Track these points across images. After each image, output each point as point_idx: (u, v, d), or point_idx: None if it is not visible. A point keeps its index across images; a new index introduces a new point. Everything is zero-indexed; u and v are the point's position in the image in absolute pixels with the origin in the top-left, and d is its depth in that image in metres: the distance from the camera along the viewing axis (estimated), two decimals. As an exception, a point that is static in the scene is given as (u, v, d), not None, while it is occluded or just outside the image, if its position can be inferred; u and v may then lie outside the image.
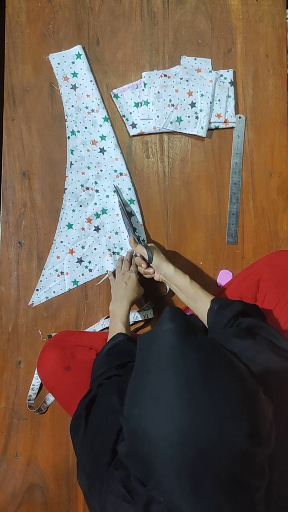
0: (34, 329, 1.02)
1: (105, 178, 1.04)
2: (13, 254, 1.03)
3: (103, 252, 1.04)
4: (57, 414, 1.01)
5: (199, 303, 0.87)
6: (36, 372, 0.99)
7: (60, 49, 1.04)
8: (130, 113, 1.04)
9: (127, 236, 1.03)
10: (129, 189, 1.04)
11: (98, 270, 1.04)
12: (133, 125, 1.04)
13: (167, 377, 0.44)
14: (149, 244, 0.93)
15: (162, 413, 0.43)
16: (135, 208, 1.04)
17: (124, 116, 1.04)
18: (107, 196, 1.04)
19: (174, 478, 0.42)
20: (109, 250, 1.04)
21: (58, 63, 1.03)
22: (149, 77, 1.03)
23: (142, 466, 0.46)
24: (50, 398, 1.01)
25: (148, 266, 0.93)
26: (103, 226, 1.05)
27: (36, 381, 1.00)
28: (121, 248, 1.04)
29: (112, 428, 0.61)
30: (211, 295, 0.87)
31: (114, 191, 1.03)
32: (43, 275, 1.02)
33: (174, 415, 0.42)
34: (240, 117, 1.06)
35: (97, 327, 1.02)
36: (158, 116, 1.02)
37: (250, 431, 0.42)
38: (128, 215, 0.99)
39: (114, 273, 1.02)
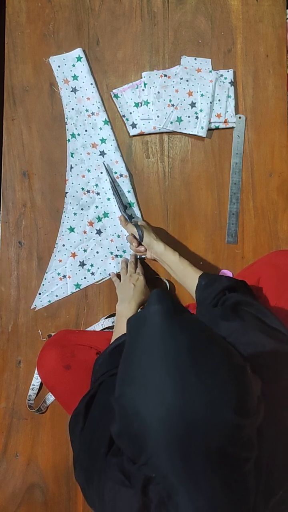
0: (34, 329, 1.02)
1: (106, 180, 1.04)
2: (13, 254, 1.03)
3: (105, 255, 1.04)
4: (57, 414, 1.01)
5: (188, 279, 0.89)
6: (36, 372, 0.99)
7: (60, 49, 1.04)
8: (130, 113, 1.04)
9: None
10: (129, 191, 1.04)
11: (100, 273, 1.04)
12: (133, 125, 1.04)
13: (156, 356, 0.45)
14: (139, 223, 0.95)
15: (152, 391, 0.44)
16: (135, 210, 1.04)
17: (124, 116, 1.04)
18: (108, 199, 1.04)
19: (164, 453, 0.43)
20: (112, 253, 1.04)
21: (59, 66, 1.03)
22: (149, 77, 1.03)
23: (133, 443, 0.47)
24: (50, 398, 1.01)
25: (139, 244, 0.95)
26: (105, 229, 1.05)
27: (36, 381, 1.00)
28: (124, 251, 1.04)
29: (111, 424, 0.61)
30: (200, 271, 0.89)
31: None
32: (45, 279, 1.02)
33: (163, 392, 0.43)
34: (240, 117, 1.06)
35: (97, 327, 1.02)
36: (158, 116, 1.02)
37: (237, 405, 0.43)
38: (118, 193, 0.99)
39: (117, 275, 1.02)
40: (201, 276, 0.86)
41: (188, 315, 0.50)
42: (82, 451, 0.64)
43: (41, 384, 1.01)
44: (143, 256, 1.04)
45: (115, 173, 1.04)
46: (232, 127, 1.06)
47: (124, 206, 1.03)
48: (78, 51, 1.03)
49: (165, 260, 0.93)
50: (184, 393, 0.43)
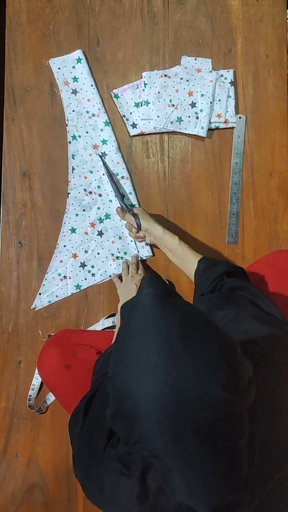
0: (34, 329, 1.02)
1: (107, 182, 1.04)
2: (13, 254, 1.03)
3: (106, 257, 1.04)
4: (57, 414, 1.01)
5: (187, 263, 0.90)
6: (36, 372, 0.99)
7: (61, 49, 1.04)
8: (131, 113, 1.04)
9: (131, 241, 1.03)
10: (130, 193, 1.04)
11: (101, 275, 1.04)
12: (134, 125, 1.04)
13: (147, 336, 0.46)
14: (135, 210, 0.96)
15: (143, 370, 0.44)
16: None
17: (124, 116, 1.04)
18: (110, 201, 1.04)
19: (155, 431, 0.44)
20: (113, 254, 1.04)
21: (59, 68, 1.03)
22: (150, 77, 1.03)
23: (125, 422, 0.47)
24: (50, 398, 1.01)
25: (138, 231, 0.96)
26: (107, 231, 1.05)
27: (36, 381, 1.00)
28: (125, 253, 1.04)
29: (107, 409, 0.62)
30: (199, 255, 0.89)
31: (100, 160, 1.03)
32: (46, 279, 1.02)
33: (154, 371, 0.44)
34: (240, 117, 1.06)
35: (97, 326, 1.02)
36: (158, 116, 1.02)
37: (227, 382, 0.44)
38: (115, 183, 1.00)
39: (118, 276, 1.02)
40: (200, 260, 0.87)
41: (179, 298, 0.51)
42: (81, 449, 0.65)
43: (41, 384, 1.01)
44: (145, 256, 1.04)
45: (117, 174, 1.04)
46: (232, 127, 1.06)
47: (122, 195, 1.03)
48: (78, 53, 1.03)
49: (164, 244, 0.93)
50: (174, 371, 0.43)
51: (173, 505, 0.50)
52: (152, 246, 1.05)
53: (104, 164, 1.01)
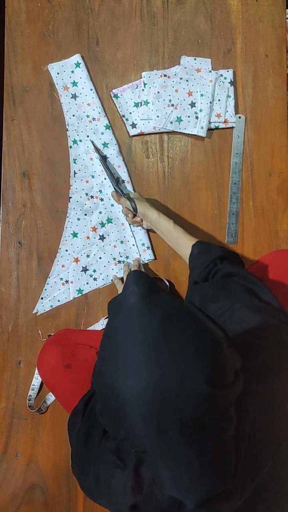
0: (34, 329, 1.02)
1: (109, 186, 1.03)
2: (13, 254, 1.03)
3: (108, 261, 1.04)
4: (57, 414, 1.01)
5: (182, 247, 0.90)
6: (36, 372, 0.99)
7: (60, 49, 1.04)
8: (130, 113, 1.04)
9: (133, 245, 1.03)
10: None
11: (103, 279, 1.04)
12: (133, 125, 1.04)
13: (130, 333, 0.46)
14: (131, 195, 0.96)
15: (127, 367, 0.45)
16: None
17: (124, 116, 1.04)
18: (112, 205, 1.04)
19: (141, 426, 0.45)
20: (114, 259, 1.04)
21: (58, 73, 1.03)
22: (149, 77, 1.03)
23: (112, 419, 0.48)
24: (50, 398, 1.01)
25: (135, 216, 0.96)
26: (108, 235, 1.05)
27: (36, 381, 1.00)
28: (127, 257, 1.04)
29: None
30: (194, 239, 0.89)
31: (87, 139, 1.02)
32: (47, 284, 1.02)
33: (138, 368, 0.44)
34: (240, 117, 1.06)
35: (97, 326, 1.02)
36: (158, 116, 1.02)
37: (209, 376, 0.44)
38: (108, 167, 1.00)
39: (120, 279, 1.02)
40: (194, 244, 0.87)
41: (163, 294, 0.52)
42: (79, 446, 0.66)
43: (41, 384, 1.01)
44: (146, 260, 1.04)
45: (121, 186, 1.04)
46: (232, 127, 1.06)
47: (116, 180, 1.03)
48: (77, 57, 1.02)
49: (159, 227, 0.93)
50: (157, 367, 0.44)
51: (167, 495, 0.51)
52: (152, 247, 1.05)
53: (97, 151, 1.01)
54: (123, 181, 1.04)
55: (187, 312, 0.51)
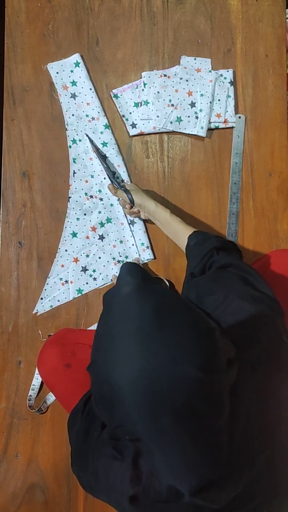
0: (34, 329, 1.02)
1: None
2: (13, 254, 1.03)
3: (108, 261, 1.04)
4: (57, 414, 1.01)
5: (180, 237, 0.91)
6: (36, 372, 0.99)
7: (60, 49, 1.04)
8: (130, 113, 1.04)
9: (132, 245, 1.03)
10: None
11: (102, 279, 1.04)
12: (133, 125, 1.04)
13: (123, 324, 0.47)
14: (128, 186, 0.96)
15: (120, 355, 0.46)
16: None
17: (124, 116, 1.04)
18: (111, 205, 1.04)
19: (134, 413, 0.45)
20: (114, 258, 1.04)
21: (57, 73, 1.02)
22: (149, 77, 1.03)
23: (106, 407, 0.49)
24: (50, 398, 1.01)
25: (132, 207, 0.96)
26: (108, 235, 1.05)
27: (36, 381, 1.00)
28: (126, 257, 1.04)
29: None
30: (191, 228, 0.89)
31: (86, 139, 1.02)
32: (47, 284, 1.02)
33: (130, 355, 0.45)
34: (240, 117, 1.06)
35: (97, 327, 1.02)
36: (158, 116, 1.02)
37: (202, 363, 0.45)
38: (105, 161, 1.00)
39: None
40: (190, 235, 0.87)
41: (155, 284, 0.53)
42: (78, 443, 0.66)
43: (41, 385, 1.01)
44: (146, 259, 1.04)
45: (117, 178, 1.04)
46: (232, 127, 1.06)
47: (113, 173, 1.03)
48: (76, 57, 1.02)
49: (157, 217, 0.94)
50: (149, 354, 0.44)
51: (165, 486, 0.52)
52: (152, 246, 1.05)
53: (91, 142, 1.01)
54: (122, 181, 1.04)
55: (179, 301, 0.51)
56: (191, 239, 0.87)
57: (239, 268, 0.75)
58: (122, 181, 1.04)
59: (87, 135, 1.03)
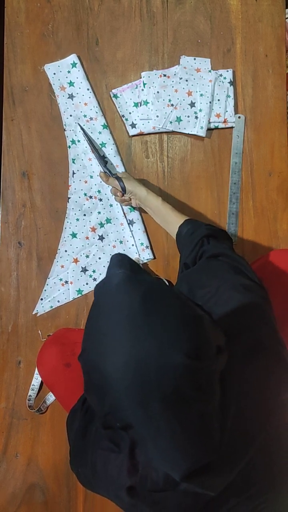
0: (34, 329, 1.02)
1: (108, 186, 1.03)
2: (13, 254, 1.03)
3: (107, 261, 1.04)
4: (57, 414, 1.01)
5: (170, 224, 0.92)
6: (36, 371, 0.99)
7: (60, 49, 1.04)
8: (130, 113, 1.04)
9: (132, 245, 1.03)
10: None
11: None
12: (133, 125, 1.04)
13: (112, 313, 0.48)
14: (119, 175, 0.97)
15: (108, 344, 0.47)
16: (135, 215, 1.04)
17: (123, 116, 1.04)
18: (111, 205, 1.04)
19: (123, 399, 0.46)
20: None
21: (54, 73, 1.02)
22: (149, 77, 1.03)
23: (97, 394, 0.50)
24: (50, 398, 1.01)
25: (123, 194, 0.96)
26: (107, 235, 1.05)
27: (36, 381, 1.00)
28: None
29: None
30: (182, 216, 0.90)
31: (80, 131, 1.02)
32: (47, 284, 1.02)
33: (118, 344, 0.46)
34: (239, 117, 1.06)
35: (97, 327, 1.02)
36: (157, 116, 1.02)
37: (189, 349, 0.45)
38: (97, 150, 1.00)
39: None
40: (181, 224, 0.88)
41: (144, 275, 0.53)
42: (77, 441, 0.66)
43: (41, 385, 1.01)
44: (146, 259, 1.04)
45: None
46: (232, 127, 1.06)
47: (105, 162, 1.03)
48: (73, 57, 1.02)
49: (148, 204, 0.94)
50: (137, 342, 0.45)
51: (162, 475, 0.53)
52: (151, 246, 1.05)
53: (84, 132, 1.01)
54: (111, 163, 1.03)
55: (167, 290, 0.52)
56: (182, 227, 0.87)
57: (230, 257, 0.75)
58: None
59: (78, 124, 1.02)
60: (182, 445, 0.47)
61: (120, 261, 0.53)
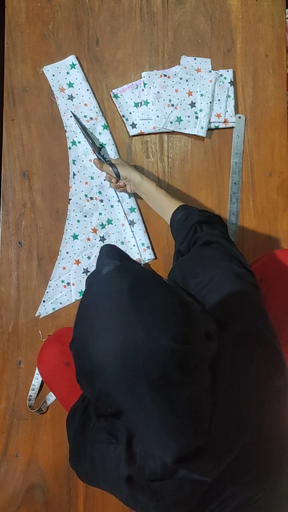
0: (34, 329, 1.02)
1: (109, 187, 1.03)
2: (13, 254, 1.03)
3: None
4: (57, 414, 1.01)
5: (164, 210, 0.92)
6: (36, 372, 0.99)
7: (60, 49, 1.04)
8: (130, 113, 1.04)
9: (134, 246, 1.03)
10: (129, 196, 1.04)
11: None
12: (133, 125, 1.04)
13: (100, 301, 0.49)
14: (113, 160, 0.97)
15: (97, 330, 0.48)
16: (136, 215, 1.04)
17: (124, 116, 1.04)
18: (112, 206, 1.04)
19: (112, 384, 0.47)
20: None
21: (53, 75, 1.02)
22: (149, 77, 1.03)
23: (87, 381, 0.50)
24: (50, 398, 1.01)
25: (118, 180, 0.96)
26: (109, 236, 1.05)
27: (36, 381, 1.00)
28: None
29: None
30: (177, 202, 0.90)
31: (71, 116, 1.02)
32: (49, 286, 1.02)
33: (107, 330, 0.47)
34: (239, 117, 1.06)
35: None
36: (158, 116, 1.02)
37: (176, 334, 0.46)
38: (90, 136, 0.99)
39: None
40: (175, 210, 0.88)
41: (133, 264, 0.55)
42: (76, 438, 0.67)
43: (41, 385, 1.01)
44: (147, 259, 1.04)
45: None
46: (232, 127, 1.06)
47: (98, 148, 1.02)
48: (72, 58, 1.02)
49: (142, 190, 0.94)
50: (124, 329, 0.46)
51: (159, 464, 0.53)
52: (152, 246, 1.05)
53: (77, 119, 1.00)
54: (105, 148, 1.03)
55: (155, 277, 0.53)
56: (176, 213, 0.87)
57: (222, 244, 0.76)
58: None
59: (70, 111, 1.02)
60: (172, 428, 0.47)
61: (109, 251, 0.54)
